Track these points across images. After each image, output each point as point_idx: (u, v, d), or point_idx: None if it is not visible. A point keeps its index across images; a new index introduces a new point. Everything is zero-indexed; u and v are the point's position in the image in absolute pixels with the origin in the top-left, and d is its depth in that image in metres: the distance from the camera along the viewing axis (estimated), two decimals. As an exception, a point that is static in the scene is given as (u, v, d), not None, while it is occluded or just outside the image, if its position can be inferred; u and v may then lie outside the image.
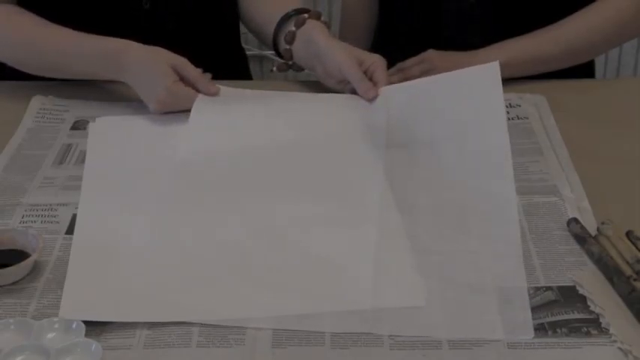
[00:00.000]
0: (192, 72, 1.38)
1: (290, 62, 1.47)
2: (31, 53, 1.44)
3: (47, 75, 1.47)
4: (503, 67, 1.42)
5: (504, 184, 1.20)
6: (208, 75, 1.41)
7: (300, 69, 1.49)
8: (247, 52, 1.82)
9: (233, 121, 1.35)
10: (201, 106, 1.35)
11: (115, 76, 1.41)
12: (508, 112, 1.39)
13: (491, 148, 1.24)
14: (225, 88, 1.40)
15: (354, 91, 1.39)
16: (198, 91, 1.37)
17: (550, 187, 1.23)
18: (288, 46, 1.45)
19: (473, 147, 1.26)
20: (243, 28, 1.69)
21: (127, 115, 1.40)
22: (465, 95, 1.31)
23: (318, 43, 1.41)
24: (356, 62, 1.38)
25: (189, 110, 1.35)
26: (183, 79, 1.37)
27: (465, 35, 1.55)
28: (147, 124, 1.37)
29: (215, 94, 1.38)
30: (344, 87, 1.41)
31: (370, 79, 1.38)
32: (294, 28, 1.45)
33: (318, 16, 1.46)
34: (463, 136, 1.28)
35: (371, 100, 1.36)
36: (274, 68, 1.50)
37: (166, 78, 1.35)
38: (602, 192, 1.22)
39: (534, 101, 1.45)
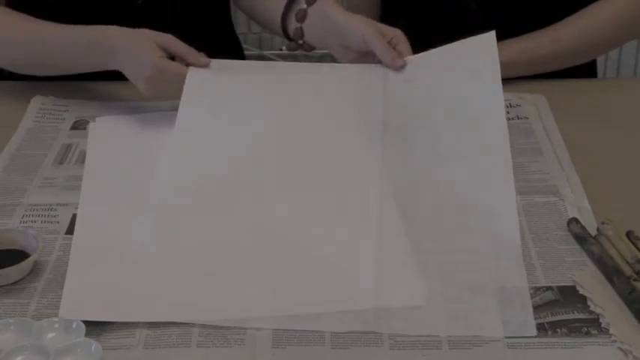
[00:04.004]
0: (181, 47, 1.36)
1: (300, 41, 1.47)
2: (16, 50, 1.43)
3: (35, 73, 1.46)
4: (503, 67, 1.41)
5: (504, 181, 1.20)
6: (202, 54, 1.39)
7: (310, 48, 1.47)
8: (247, 52, 1.82)
9: (228, 98, 1.32)
10: (195, 78, 1.32)
11: (101, 63, 1.38)
12: (508, 112, 1.39)
13: (489, 134, 1.23)
14: (217, 61, 1.37)
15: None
16: (188, 64, 1.36)
17: (550, 187, 1.23)
18: (299, 25, 1.45)
19: (471, 125, 1.25)
20: (242, 28, 1.69)
21: (127, 115, 1.40)
22: (462, 66, 1.30)
23: (336, 17, 1.40)
24: (379, 33, 1.38)
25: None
26: (172, 57, 1.35)
27: (466, 36, 1.55)
28: (147, 124, 1.37)
29: (206, 65, 1.36)
30: (360, 62, 1.39)
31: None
32: (305, 6, 1.44)
33: None
34: (462, 119, 1.26)
35: (397, 68, 1.35)
36: (284, 47, 1.50)
37: (152, 54, 1.33)
38: (602, 192, 1.22)
39: (534, 101, 1.45)
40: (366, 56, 1.38)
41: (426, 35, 1.58)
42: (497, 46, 1.49)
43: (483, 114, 1.25)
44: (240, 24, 1.69)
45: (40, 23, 1.42)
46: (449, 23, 1.59)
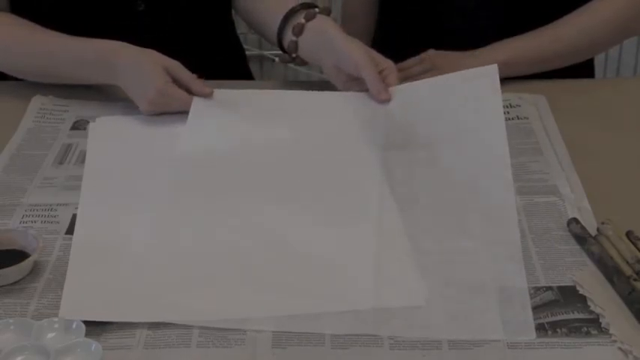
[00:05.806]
0: (185, 74, 1.37)
1: (294, 55, 1.47)
2: (19, 57, 1.44)
3: (37, 80, 1.47)
4: (503, 66, 1.42)
5: (503, 186, 1.21)
6: (200, 79, 1.40)
7: (302, 63, 1.48)
8: (247, 52, 1.81)
9: (232, 122, 1.35)
10: (199, 108, 1.35)
11: (105, 79, 1.40)
12: (508, 112, 1.40)
13: (489, 151, 1.25)
14: (220, 90, 1.40)
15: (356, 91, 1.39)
16: (191, 93, 1.37)
17: (550, 187, 1.23)
18: (294, 38, 1.44)
19: (472, 149, 1.26)
20: (242, 29, 1.69)
21: (127, 115, 1.40)
22: (464, 97, 1.32)
23: (334, 38, 1.39)
24: (372, 62, 1.38)
25: (186, 112, 1.35)
26: (176, 82, 1.37)
27: (466, 37, 1.55)
28: (147, 124, 1.37)
29: (209, 95, 1.38)
30: (348, 85, 1.40)
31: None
32: (303, 21, 1.44)
33: (328, 13, 1.46)
34: (462, 137, 1.28)
35: (382, 101, 1.36)
36: (276, 59, 1.50)
37: (158, 79, 1.35)
38: (602, 192, 1.22)
39: (534, 101, 1.45)
40: (357, 81, 1.38)
41: (425, 35, 1.59)
42: (498, 45, 1.50)
43: (484, 140, 1.27)
44: (241, 24, 1.68)
45: (46, 34, 1.42)
46: (448, 23, 1.60)
